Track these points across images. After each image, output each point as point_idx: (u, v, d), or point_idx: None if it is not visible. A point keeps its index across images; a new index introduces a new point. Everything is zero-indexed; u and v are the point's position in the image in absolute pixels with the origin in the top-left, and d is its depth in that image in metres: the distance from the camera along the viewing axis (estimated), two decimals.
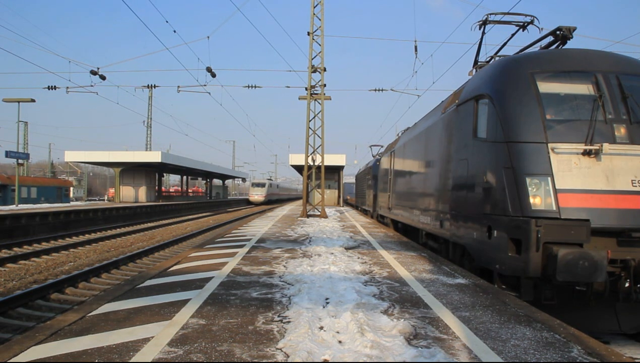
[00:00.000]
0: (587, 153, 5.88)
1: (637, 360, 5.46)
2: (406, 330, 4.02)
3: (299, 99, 20.20)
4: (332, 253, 8.39)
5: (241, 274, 6.51)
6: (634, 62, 6.89)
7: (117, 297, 5.13)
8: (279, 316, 4.42)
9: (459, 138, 8.22)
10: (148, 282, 5.95)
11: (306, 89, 19.58)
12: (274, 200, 66.20)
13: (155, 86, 26.47)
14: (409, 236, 13.10)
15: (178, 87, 23.16)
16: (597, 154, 5.85)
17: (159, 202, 38.95)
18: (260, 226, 15.34)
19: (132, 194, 40.62)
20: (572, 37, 7.52)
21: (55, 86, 22.39)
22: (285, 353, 3.43)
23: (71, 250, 13.94)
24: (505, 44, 9.52)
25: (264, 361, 3.29)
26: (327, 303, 4.85)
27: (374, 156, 27.64)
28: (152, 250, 14.13)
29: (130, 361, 3.26)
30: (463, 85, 8.78)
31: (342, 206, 36.09)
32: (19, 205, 25.16)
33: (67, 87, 21.79)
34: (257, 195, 59.12)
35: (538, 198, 5.83)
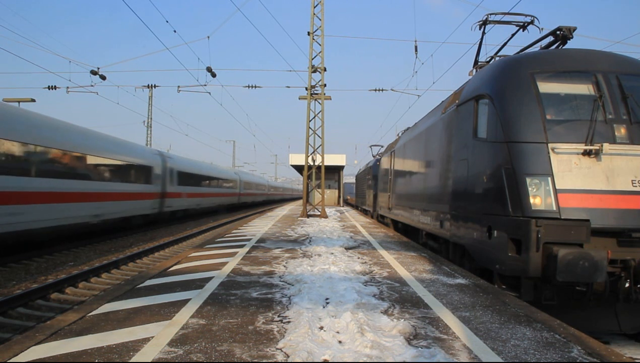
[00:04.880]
0: (587, 153, 5.88)
1: (637, 360, 5.45)
2: (406, 330, 4.02)
3: (299, 98, 20.19)
4: (332, 253, 8.39)
5: (241, 274, 6.51)
6: (634, 62, 6.89)
7: (117, 297, 5.13)
8: (279, 316, 4.42)
9: (459, 138, 8.22)
10: (148, 282, 5.95)
11: (306, 88, 19.58)
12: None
13: (155, 86, 26.45)
14: (409, 236, 13.10)
15: (178, 87, 23.12)
16: (597, 154, 5.85)
17: None
18: (260, 226, 15.34)
19: None
20: (572, 37, 7.53)
21: (55, 86, 22.35)
22: (285, 353, 3.43)
23: (71, 250, 13.94)
24: (505, 44, 9.53)
25: (264, 361, 3.29)
26: (327, 303, 4.85)
27: (374, 156, 27.66)
28: (152, 250, 14.13)
29: (130, 361, 3.26)
30: (463, 86, 8.78)
31: (342, 206, 36.10)
32: None
33: (68, 87, 21.75)
34: None
35: (538, 199, 5.83)
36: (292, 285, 5.74)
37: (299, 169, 33.90)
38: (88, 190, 14.99)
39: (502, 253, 6.12)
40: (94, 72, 19.14)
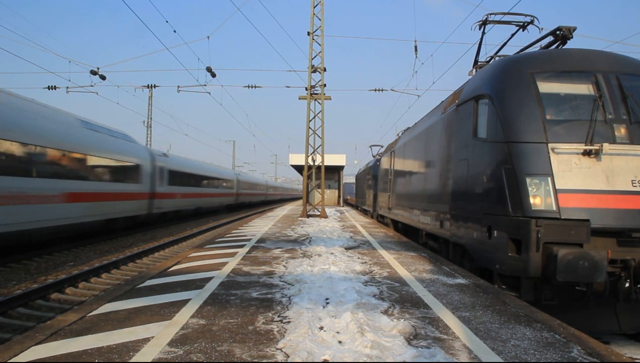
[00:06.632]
0: (587, 153, 5.88)
1: (637, 360, 5.46)
2: (406, 330, 4.02)
3: (299, 98, 20.18)
4: (332, 254, 8.39)
5: (241, 274, 6.51)
6: (634, 62, 6.89)
7: (117, 297, 5.13)
8: (279, 316, 4.42)
9: (459, 138, 8.22)
10: (148, 282, 5.95)
11: (306, 88, 19.57)
12: None
13: (155, 86, 26.44)
14: (409, 236, 13.10)
15: (178, 87, 23.10)
16: (597, 154, 5.85)
17: None
18: (260, 226, 15.34)
19: None
20: (572, 37, 7.53)
21: (55, 86, 22.32)
22: (285, 353, 3.43)
23: (71, 250, 13.94)
24: (505, 44, 9.53)
25: (264, 361, 3.29)
26: (327, 303, 4.86)
27: (374, 156, 27.66)
28: (152, 250, 14.12)
29: (130, 361, 3.26)
30: (463, 86, 8.78)
31: (342, 206, 36.09)
32: None
33: (67, 87, 21.72)
34: None
35: (538, 198, 5.83)
36: (292, 285, 5.74)
37: (299, 169, 33.90)
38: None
39: (502, 253, 6.12)
40: (93, 72, 19.12)
